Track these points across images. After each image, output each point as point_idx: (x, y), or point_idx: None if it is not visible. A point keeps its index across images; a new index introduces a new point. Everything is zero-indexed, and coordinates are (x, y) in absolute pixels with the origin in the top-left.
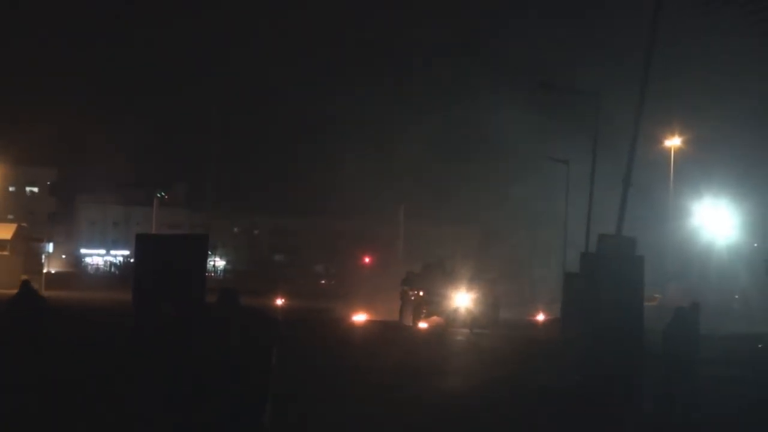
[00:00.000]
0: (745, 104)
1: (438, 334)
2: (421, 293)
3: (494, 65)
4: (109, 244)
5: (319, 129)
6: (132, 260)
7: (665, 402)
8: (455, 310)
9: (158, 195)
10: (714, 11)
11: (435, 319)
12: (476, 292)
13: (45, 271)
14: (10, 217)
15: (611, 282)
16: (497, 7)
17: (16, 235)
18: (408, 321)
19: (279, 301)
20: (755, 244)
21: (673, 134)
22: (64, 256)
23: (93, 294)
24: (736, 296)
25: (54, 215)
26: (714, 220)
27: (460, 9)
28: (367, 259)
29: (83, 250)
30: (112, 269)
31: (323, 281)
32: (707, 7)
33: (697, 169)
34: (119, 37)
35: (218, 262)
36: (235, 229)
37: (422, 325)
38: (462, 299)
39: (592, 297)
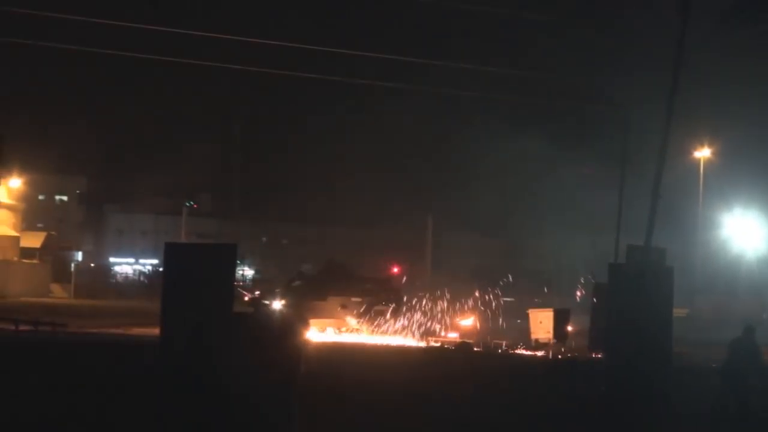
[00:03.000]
0: None
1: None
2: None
3: (519, 74)
4: (138, 253)
5: (347, 138)
6: (161, 269)
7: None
8: None
9: (187, 204)
10: (736, 29)
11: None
12: None
13: (74, 279)
14: (40, 225)
15: (640, 293)
16: (522, 16)
17: (45, 243)
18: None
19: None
20: None
21: (702, 145)
22: (92, 265)
23: (121, 303)
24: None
25: (83, 224)
26: (743, 232)
27: (487, 20)
28: (395, 270)
29: (112, 259)
30: (141, 278)
31: None
32: (728, 25)
33: (727, 180)
34: (145, 43)
35: (246, 272)
36: (264, 239)
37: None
38: None
39: (621, 307)
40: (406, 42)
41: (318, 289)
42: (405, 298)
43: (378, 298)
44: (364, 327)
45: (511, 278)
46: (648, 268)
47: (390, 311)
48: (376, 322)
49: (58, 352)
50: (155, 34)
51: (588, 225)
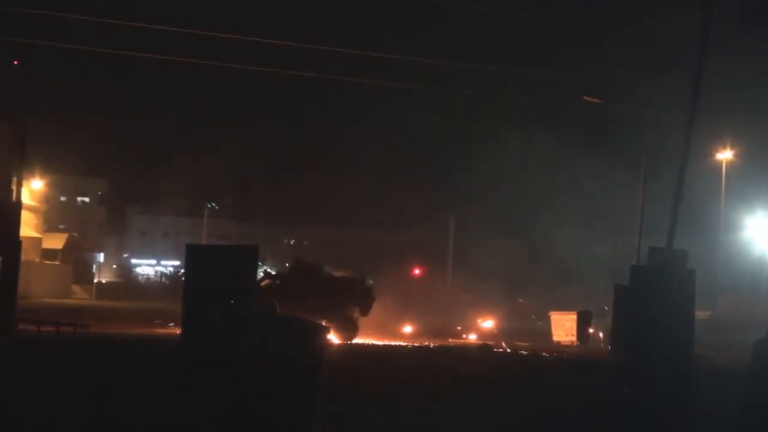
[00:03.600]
0: None
1: None
2: None
3: (540, 75)
4: (160, 255)
5: (368, 139)
6: (182, 270)
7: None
8: None
9: (208, 205)
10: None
11: None
12: None
13: (96, 280)
14: (62, 227)
15: (662, 294)
16: (544, 19)
17: (67, 244)
18: None
19: None
20: None
21: (724, 147)
22: (114, 266)
23: (143, 304)
24: None
25: (104, 225)
26: (766, 233)
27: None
28: (417, 271)
29: (134, 260)
30: (163, 279)
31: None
32: (750, 26)
33: (749, 181)
34: (167, 45)
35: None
36: (285, 240)
37: None
38: None
39: (643, 309)
40: (433, 43)
41: (286, 288)
42: (375, 298)
43: (346, 297)
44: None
45: (533, 282)
46: (670, 270)
47: (357, 311)
48: (343, 322)
49: (79, 351)
50: (177, 36)
51: (610, 227)
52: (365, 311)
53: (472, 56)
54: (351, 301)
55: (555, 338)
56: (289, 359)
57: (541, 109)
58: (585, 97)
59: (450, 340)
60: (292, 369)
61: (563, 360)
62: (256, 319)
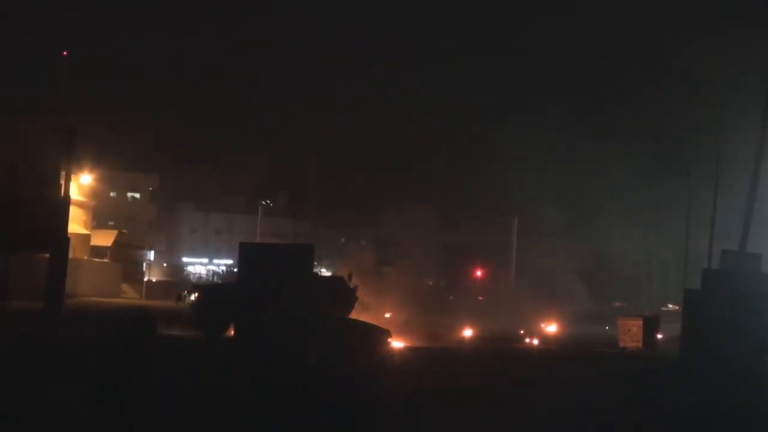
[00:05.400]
0: None
1: None
2: None
3: (614, 71)
4: (212, 253)
5: (428, 137)
6: (235, 269)
7: None
8: None
9: (263, 203)
10: None
11: None
12: None
13: (146, 279)
14: (111, 223)
15: (735, 299)
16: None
17: (116, 242)
18: None
19: (387, 315)
20: None
21: None
22: (165, 265)
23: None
24: None
25: (155, 222)
26: None
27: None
28: (478, 273)
29: (185, 259)
30: (215, 279)
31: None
32: None
33: None
34: (219, 40)
35: (324, 273)
36: (342, 239)
37: None
38: None
39: (714, 314)
40: (495, 46)
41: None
42: (357, 299)
43: (325, 297)
44: None
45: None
46: (743, 273)
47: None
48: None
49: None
50: (231, 30)
51: (680, 230)
52: (347, 312)
53: (537, 58)
54: (332, 301)
55: (622, 344)
56: (352, 360)
57: (609, 109)
58: (655, 93)
59: (513, 344)
60: (355, 369)
61: (630, 367)
62: (322, 320)
